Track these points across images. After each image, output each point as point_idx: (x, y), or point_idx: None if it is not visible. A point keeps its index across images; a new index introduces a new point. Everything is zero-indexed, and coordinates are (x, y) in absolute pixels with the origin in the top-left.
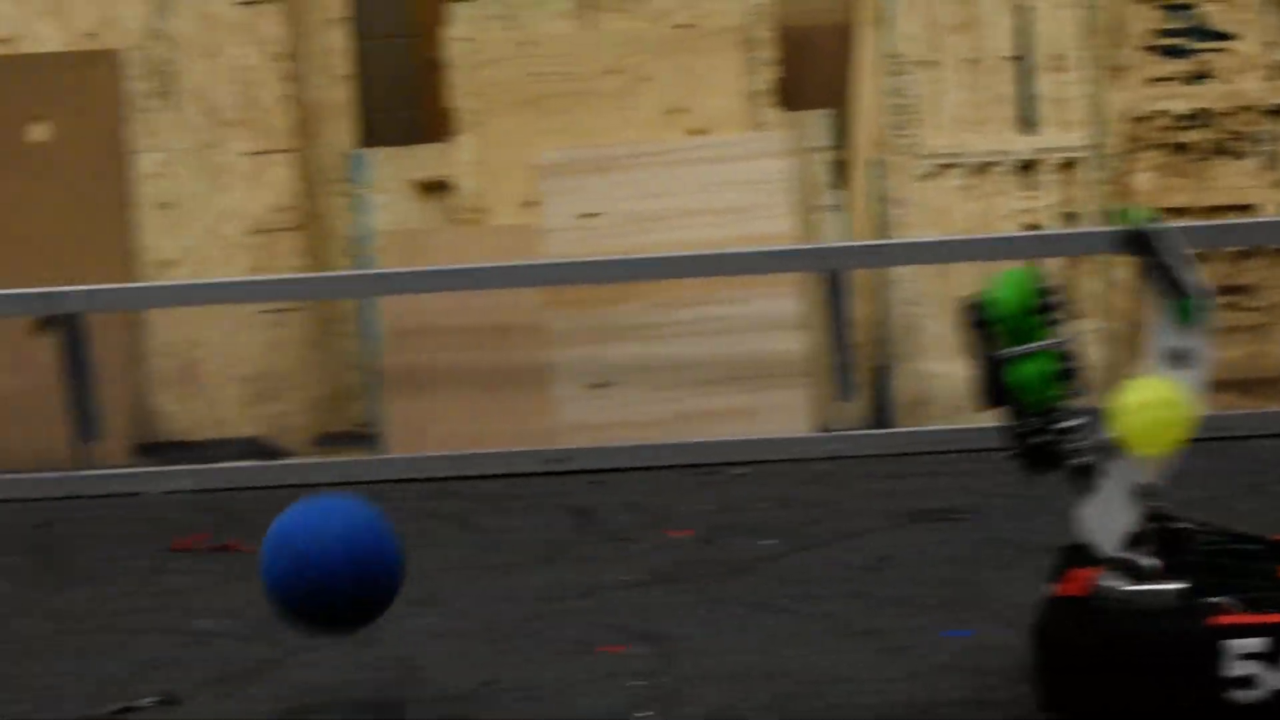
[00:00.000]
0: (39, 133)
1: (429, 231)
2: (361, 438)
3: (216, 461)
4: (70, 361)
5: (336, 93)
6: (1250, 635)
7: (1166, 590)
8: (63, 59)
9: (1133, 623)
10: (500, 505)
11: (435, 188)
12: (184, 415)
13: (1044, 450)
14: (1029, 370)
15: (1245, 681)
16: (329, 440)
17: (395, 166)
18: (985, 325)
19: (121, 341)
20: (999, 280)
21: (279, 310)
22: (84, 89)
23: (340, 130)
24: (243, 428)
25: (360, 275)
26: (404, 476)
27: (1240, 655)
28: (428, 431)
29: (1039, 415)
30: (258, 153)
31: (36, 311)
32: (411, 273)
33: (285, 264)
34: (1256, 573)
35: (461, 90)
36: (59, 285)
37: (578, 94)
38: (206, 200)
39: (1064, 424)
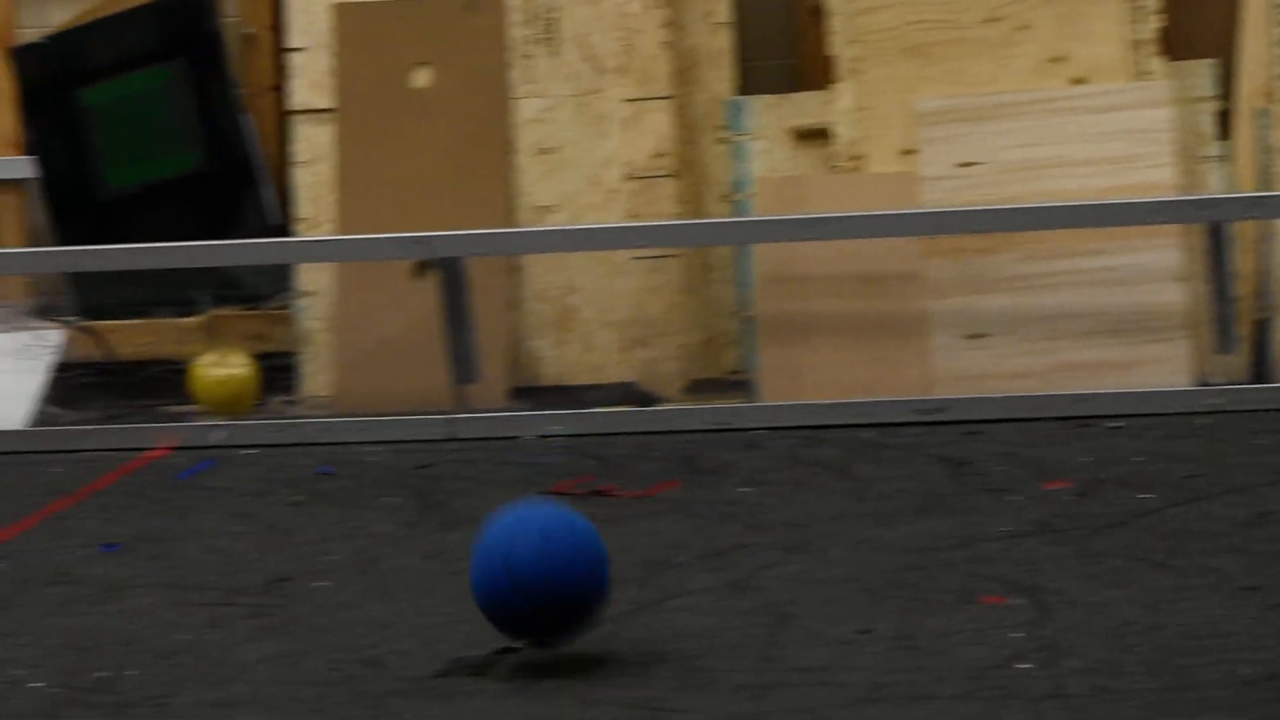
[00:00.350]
0: (422, 78)
1: (806, 179)
2: (735, 384)
3: (591, 406)
4: (449, 305)
5: (716, 39)
6: None
7: None
8: (447, 5)
9: None
10: (874, 454)
11: (813, 135)
12: (559, 360)
13: None
14: None
15: None
16: (702, 386)
17: (773, 114)
18: None
19: (499, 286)
20: None
21: (655, 256)
22: (468, 35)
23: (719, 77)
24: (617, 373)
25: (737, 222)
26: (777, 424)
27: None
28: (801, 379)
29: None
30: (637, 99)
31: (416, 255)
32: (788, 220)
33: (662, 210)
34: None
35: (841, 37)
36: (439, 230)
37: (958, 42)
38: (585, 147)
39: None
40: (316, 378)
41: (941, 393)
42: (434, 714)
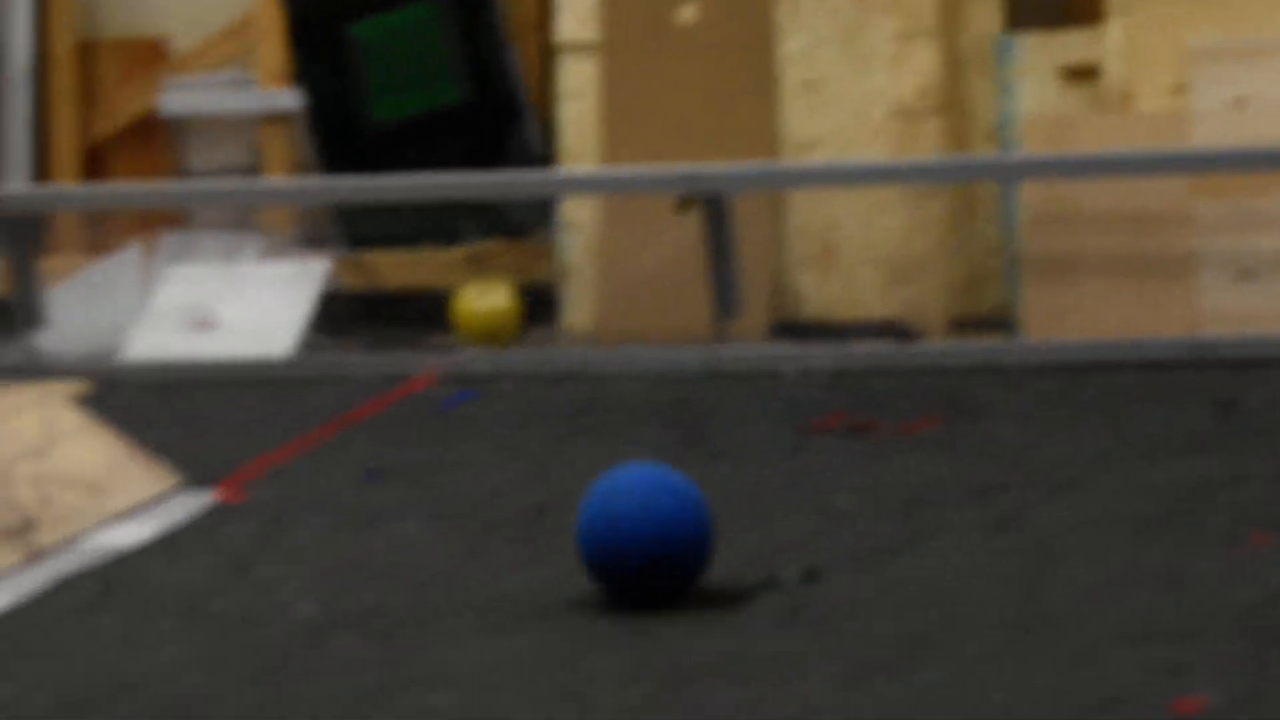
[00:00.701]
0: (688, 14)
1: (1074, 117)
2: (998, 323)
3: (852, 342)
4: (712, 240)
5: None
6: None
7: None
8: None
9: None
10: (1141, 394)
11: (1082, 73)
12: (821, 296)
13: None
14: None
15: None
16: (965, 324)
17: (1041, 51)
18: None
19: (762, 221)
20: None
21: (919, 194)
22: None
23: (987, 14)
24: (879, 309)
25: (1003, 161)
26: (1040, 363)
27: None
28: (1066, 318)
29: None
30: (903, 35)
31: (680, 190)
32: (1055, 159)
33: (927, 147)
34: None
35: None
36: (703, 164)
37: None
38: (850, 83)
39: None
40: (578, 311)
41: (1210, 332)
42: (694, 646)
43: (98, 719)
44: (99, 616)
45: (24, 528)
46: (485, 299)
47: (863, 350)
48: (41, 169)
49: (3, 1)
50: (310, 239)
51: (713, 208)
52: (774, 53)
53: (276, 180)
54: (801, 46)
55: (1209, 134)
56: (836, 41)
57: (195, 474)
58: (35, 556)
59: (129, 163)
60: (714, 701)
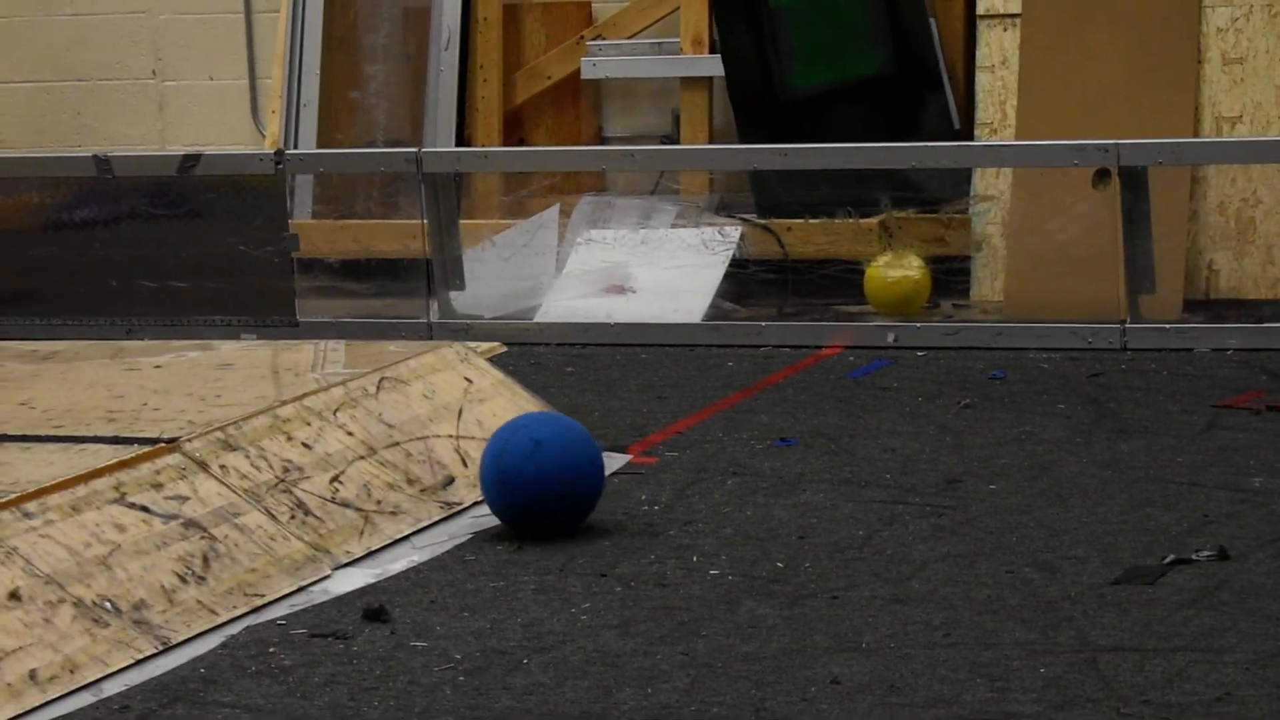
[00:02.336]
0: None
1: None
2: None
3: (1267, 321)
4: (1129, 214)
5: None
6: None
7: None
8: None
9: None
10: None
11: None
12: (1237, 273)
13: None
14: None
15: None
16: None
17: None
18: None
19: (1180, 196)
20: None
21: None
22: None
23: None
24: None
25: None
26: None
27: None
28: None
29: None
30: None
31: (1097, 163)
32: None
33: None
34: None
35: None
36: (1121, 138)
37: None
38: (1275, 57)
39: None
40: (989, 282)
41: None
42: (1106, 622)
43: (518, 675)
44: (516, 573)
45: (444, 484)
46: (896, 268)
47: (1276, 328)
48: (465, 131)
49: None
50: (725, 205)
51: (1131, 181)
52: (1198, 25)
53: (695, 145)
54: (1225, 20)
55: None
56: (1262, 15)
57: (608, 437)
58: (454, 513)
59: (550, 126)
60: (1127, 679)
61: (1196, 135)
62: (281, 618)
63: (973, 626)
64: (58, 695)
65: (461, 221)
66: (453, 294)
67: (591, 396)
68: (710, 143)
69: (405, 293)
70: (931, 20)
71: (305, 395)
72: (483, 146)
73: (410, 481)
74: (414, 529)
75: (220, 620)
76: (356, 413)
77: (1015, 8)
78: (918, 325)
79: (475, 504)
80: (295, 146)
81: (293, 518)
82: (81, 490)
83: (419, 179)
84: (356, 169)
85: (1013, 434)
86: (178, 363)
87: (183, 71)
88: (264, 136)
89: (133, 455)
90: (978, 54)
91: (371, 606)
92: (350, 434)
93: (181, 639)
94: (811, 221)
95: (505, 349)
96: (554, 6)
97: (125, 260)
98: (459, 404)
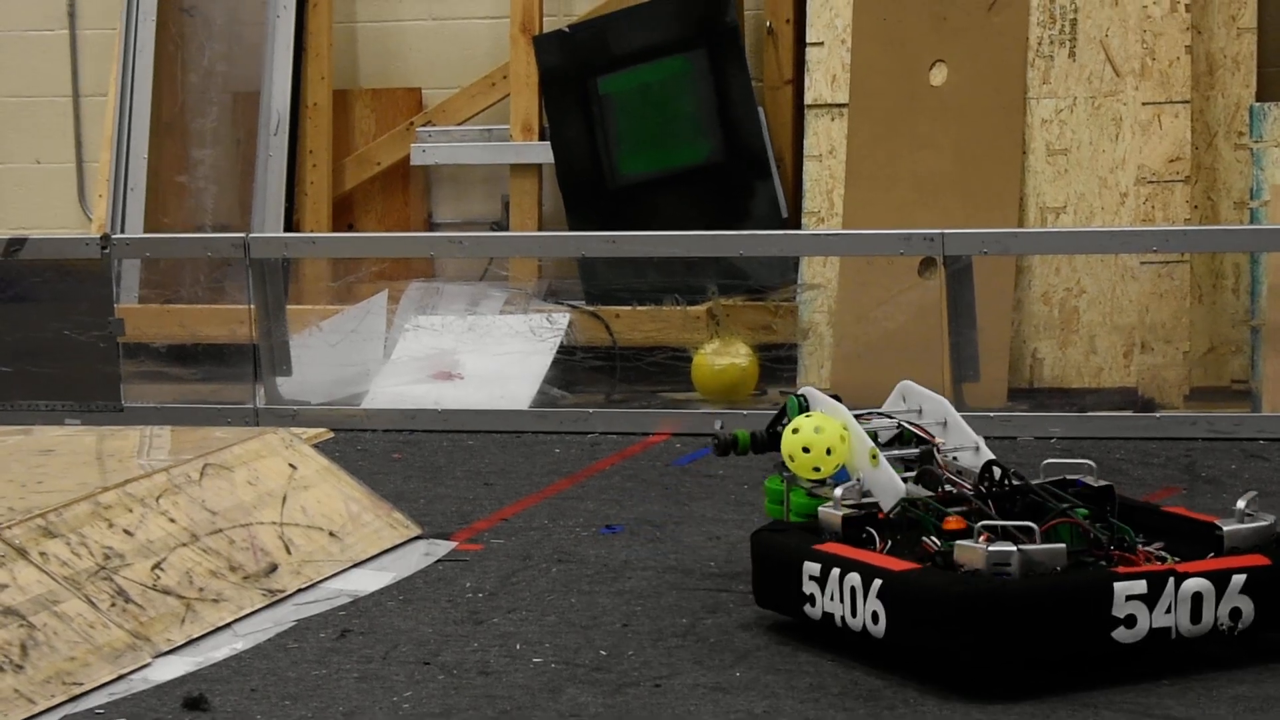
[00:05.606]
0: (939, 76)
1: None
2: (1238, 394)
3: (1090, 410)
4: (954, 302)
5: (1239, 44)
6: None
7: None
8: (968, 2)
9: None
10: None
11: None
12: (1060, 362)
13: None
14: None
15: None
16: (1204, 395)
17: None
18: None
19: (1005, 285)
20: None
21: (1164, 262)
22: (987, 33)
23: (1240, 82)
24: (1117, 378)
25: (1249, 230)
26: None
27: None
28: None
29: None
30: (1154, 103)
31: (925, 251)
32: None
33: (1172, 216)
34: None
35: None
36: (951, 227)
37: None
38: (1099, 149)
39: None
40: (817, 370)
41: None
42: (928, 711)
43: None
44: (338, 661)
45: (267, 571)
46: (724, 356)
47: (1098, 418)
48: (294, 216)
49: (263, 51)
50: (553, 292)
51: (956, 270)
52: (1023, 117)
53: (523, 232)
54: (1051, 111)
55: None
56: (1086, 107)
57: (434, 524)
58: (277, 600)
59: (380, 212)
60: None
61: (1021, 225)
62: (100, 707)
63: (795, 715)
64: None
65: (289, 307)
66: (279, 379)
67: (418, 483)
68: (539, 229)
69: (232, 378)
70: (760, 109)
71: (128, 481)
72: (311, 232)
73: (233, 569)
74: (236, 616)
75: (38, 710)
76: (180, 499)
77: (843, 97)
78: (744, 413)
79: (299, 590)
80: (122, 230)
81: (113, 605)
82: None
83: (246, 264)
84: (183, 253)
85: None
86: None
87: (9, 154)
88: (90, 220)
89: None
90: (805, 143)
91: (191, 695)
92: (173, 521)
93: None
94: (639, 308)
95: (332, 435)
96: (384, 93)
97: None
98: (283, 491)
